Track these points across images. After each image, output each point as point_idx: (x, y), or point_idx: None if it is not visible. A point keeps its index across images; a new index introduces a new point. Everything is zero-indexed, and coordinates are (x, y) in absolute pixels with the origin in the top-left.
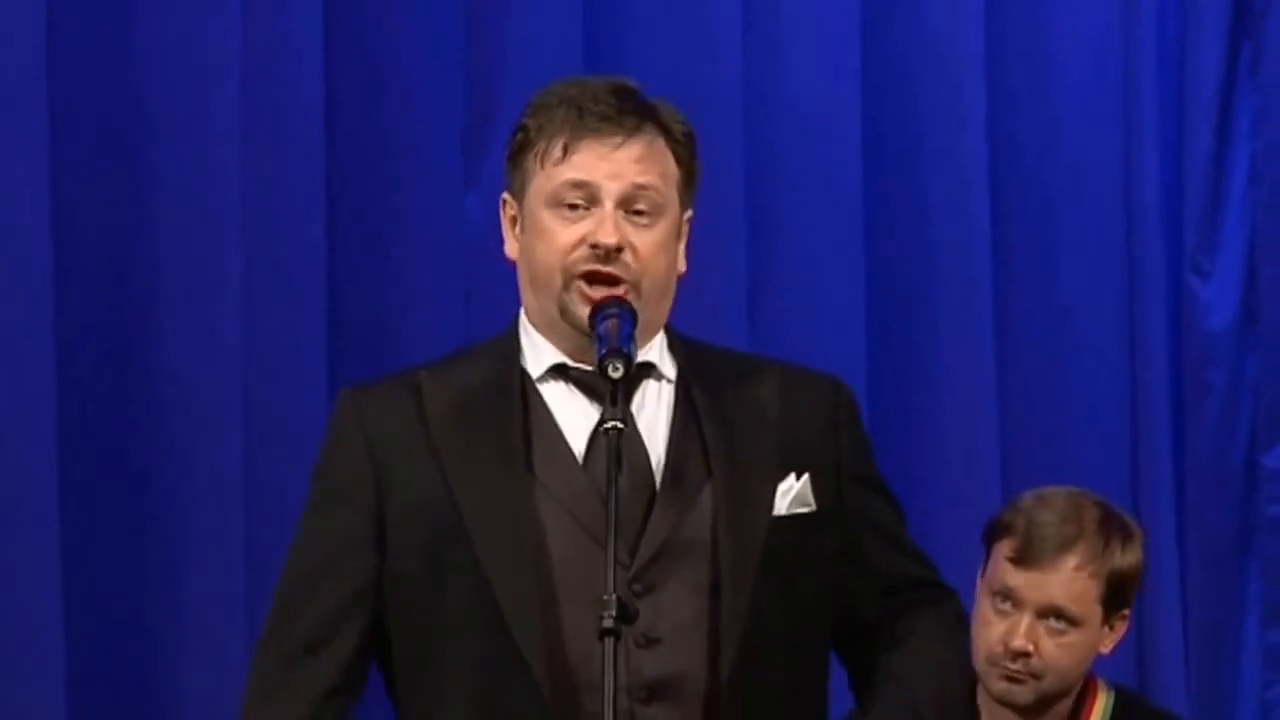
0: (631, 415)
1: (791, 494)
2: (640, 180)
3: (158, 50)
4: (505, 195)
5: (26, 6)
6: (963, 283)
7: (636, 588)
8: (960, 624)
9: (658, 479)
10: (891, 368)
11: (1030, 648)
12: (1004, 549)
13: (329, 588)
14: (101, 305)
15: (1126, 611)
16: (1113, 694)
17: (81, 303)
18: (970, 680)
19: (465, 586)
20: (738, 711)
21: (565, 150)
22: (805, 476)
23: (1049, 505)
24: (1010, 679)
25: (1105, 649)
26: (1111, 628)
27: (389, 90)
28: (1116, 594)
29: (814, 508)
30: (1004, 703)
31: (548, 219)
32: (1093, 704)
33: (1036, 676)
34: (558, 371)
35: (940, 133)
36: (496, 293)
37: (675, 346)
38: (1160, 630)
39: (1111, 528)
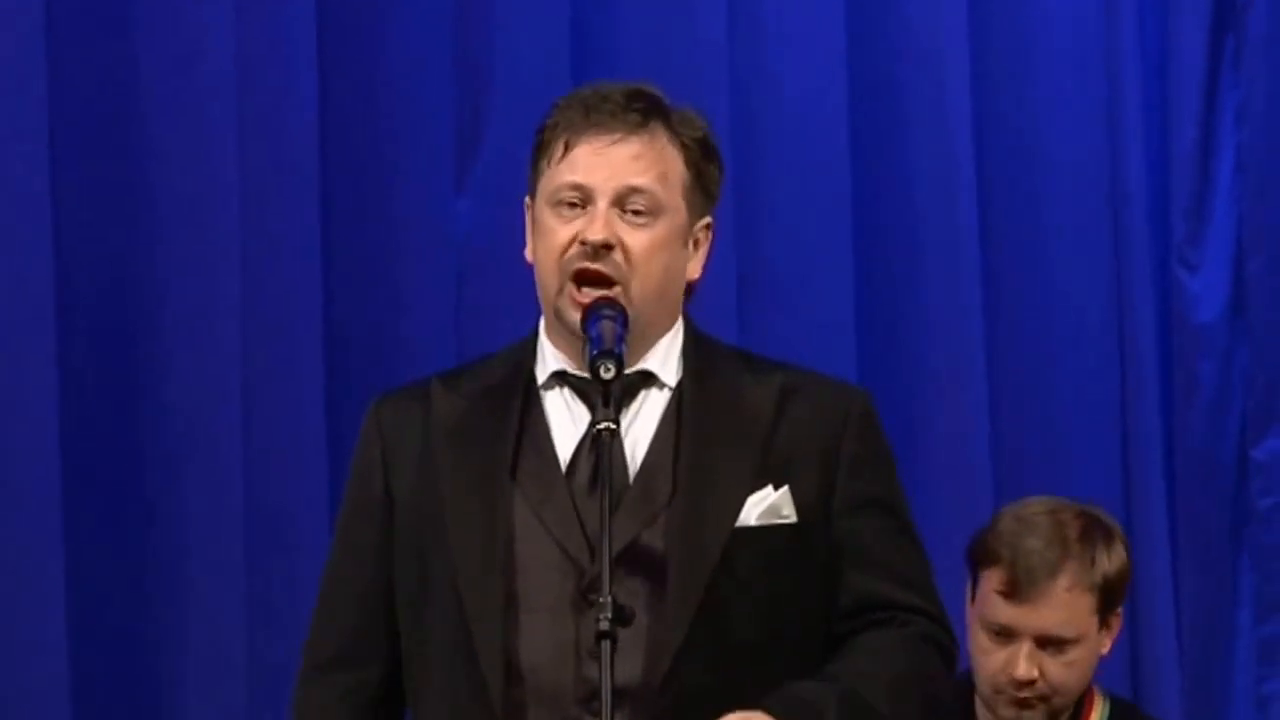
0: (620, 424)
1: (765, 505)
2: (635, 181)
3: (154, 62)
4: (526, 199)
5: (25, 18)
6: (951, 280)
7: (592, 596)
8: (924, 643)
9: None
10: (881, 364)
11: (1035, 675)
12: (992, 581)
13: (354, 603)
14: (101, 304)
15: (1119, 609)
16: (1109, 702)
17: (81, 309)
18: (965, 693)
19: (443, 591)
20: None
21: (565, 148)
22: (785, 488)
23: (1031, 529)
24: (1020, 704)
25: (1105, 651)
26: (1108, 628)
27: (381, 97)
28: (1108, 600)
29: (793, 519)
30: None
31: (547, 218)
32: (1089, 713)
33: (1045, 699)
34: (559, 378)
35: (925, 129)
36: (488, 298)
37: (687, 351)
38: (1153, 625)
39: (1094, 537)
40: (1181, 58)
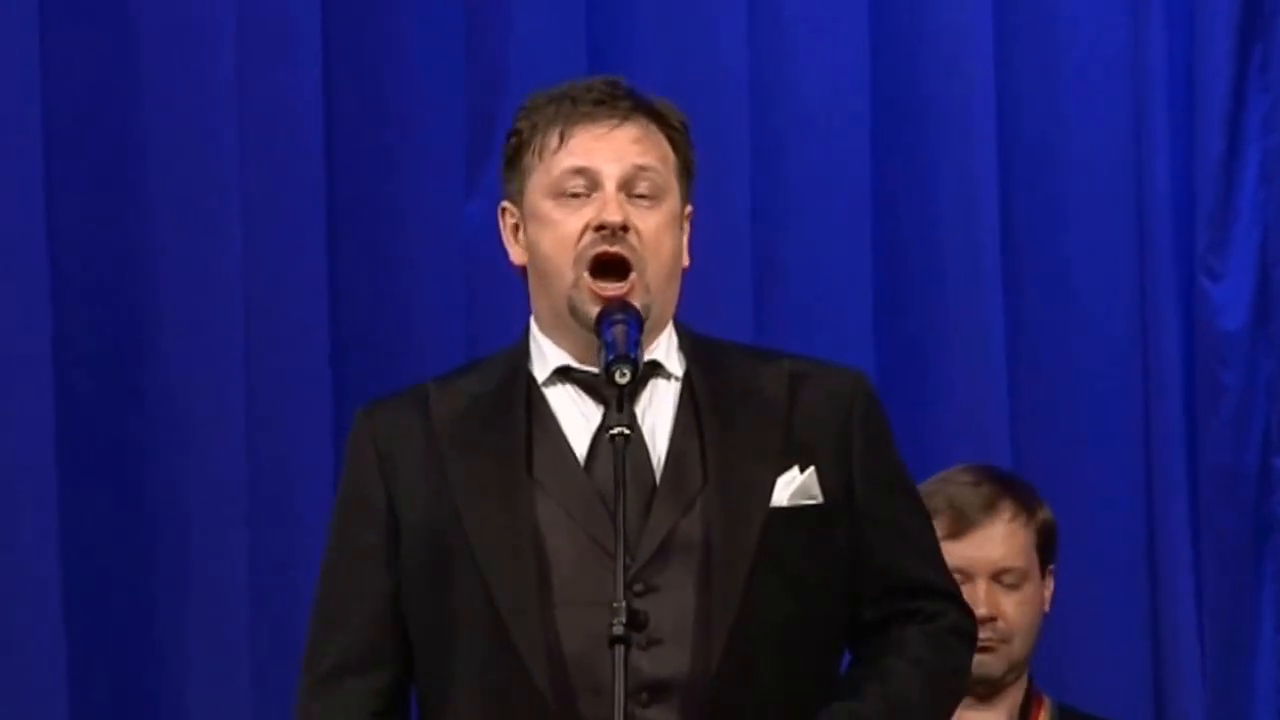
0: (635, 416)
1: (794, 485)
2: (640, 161)
3: (155, 64)
4: (504, 204)
5: (18, 25)
6: (973, 287)
7: (637, 588)
8: (955, 638)
9: (657, 479)
10: (900, 367)
11: (995, 612)
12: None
13: (358, 609)
14: (101, 318)
15: (1053, 566)
16: (1056, 707)
17: (80, 316)
18: None
19: (468, 591)
20: (734, 707)
21: (562, 138)
22: (811, 469)
23: (959, 478)
24: (981, 650)
25: (1046, 608)
26: (1047, 580)
27: (390, 98)
28: (1046, 545)
29: (820, 500)
30: (976, 679)
31: (550, 210)
32: (1038, 714)
33: (1006, 641)
34: (562, 374)
35: (949, 133)
36: (498, 301)
37: (684, 343)
38: (1175, 633)
39: (1021, 484)
40: (1208, 65)
